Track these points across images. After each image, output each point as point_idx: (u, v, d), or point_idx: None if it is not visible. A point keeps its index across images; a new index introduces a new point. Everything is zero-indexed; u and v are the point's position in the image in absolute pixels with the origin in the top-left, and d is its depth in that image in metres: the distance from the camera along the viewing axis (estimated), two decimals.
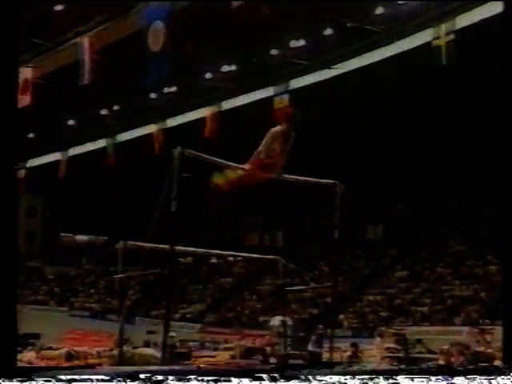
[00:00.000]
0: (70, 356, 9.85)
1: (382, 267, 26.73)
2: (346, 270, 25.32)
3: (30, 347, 13.66)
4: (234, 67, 24.94)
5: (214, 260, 32.96)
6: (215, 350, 18.68)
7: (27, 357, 11.19)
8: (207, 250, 10.48)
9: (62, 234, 40.92)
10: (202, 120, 24.83)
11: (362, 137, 25.24)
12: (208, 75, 25.69)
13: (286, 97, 22.06)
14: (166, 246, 7.41)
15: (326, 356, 10.77)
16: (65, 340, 22.72)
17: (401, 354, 14.19)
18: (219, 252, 11.15)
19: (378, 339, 16.26)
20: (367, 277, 26.47)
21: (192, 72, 25.18)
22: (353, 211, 26.25)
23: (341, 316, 22.61)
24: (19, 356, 8.04)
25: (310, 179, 8.58)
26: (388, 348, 15.34)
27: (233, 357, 15.21)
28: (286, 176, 8.27)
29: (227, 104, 24.90)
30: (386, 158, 26.72)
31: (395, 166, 26.65)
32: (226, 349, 17.69)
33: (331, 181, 8.23)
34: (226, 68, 25.06)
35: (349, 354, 14.24)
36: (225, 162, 7.81)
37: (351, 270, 26.33)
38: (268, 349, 15.22)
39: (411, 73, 21.29)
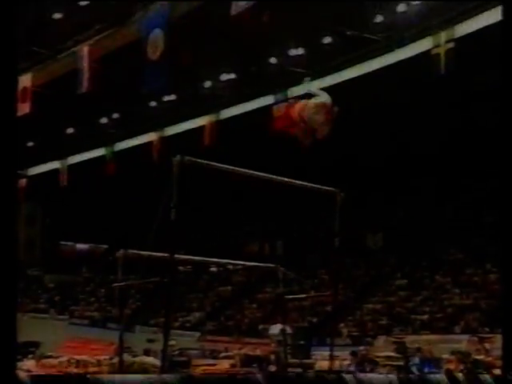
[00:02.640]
0: (70, 364, 9.86)
1: (382, 275, 26.70)
2: (345, 278, 25.28)
3: (30, 356, 13.62)
4: (233, 76, 25.01)
5: (213, 268, 32.91)
6: (215, 358, 18.62)
7: (27, 365, 11.17)
8: (207, 259, 10.45)
9: (62, 243, 40.91)
10: (201, 128, 24.90)
11: (360, 144, 25.27)
12: (207, 84, 25.76)
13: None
14: (166, 255, 7.40)
15: (325, 365, 10.73)
16: (65, 348, 22.67)
17: (400, 363, 14.16)
18: (219, 260, 11.10)
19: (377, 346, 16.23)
20: (367, 285, 26.44)
21: (191, 80, 25.25)
22: (353, 219, 26.28)
23: (340, 324, 22.58)
24: (19, 364, 8.01)
25: (311, 185, 8.59)
26: (388, 356, 15.31)
27: (233, 365, 15.16)
28: (287, 180, 8.30)
29: (226, 112, 24.96)
30: (385, 167, 26.74)
31: (395, 174, 26.67)
32: (225, 357, 17.64)
33: (331, 188, 8.23)
34: (225, 76, 25.13)
35: (348, 362, 14.21)
36: (225, 166, 7.81)
37: (351, 278, 26.30)
38: (268, 357, 15.18)
39: (410, 81, 21.35)
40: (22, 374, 5.19)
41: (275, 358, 14.38)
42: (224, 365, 15.08)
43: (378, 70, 20.53)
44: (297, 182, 8.53)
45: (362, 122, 24.01)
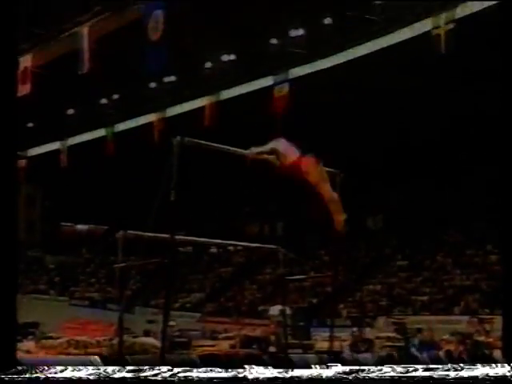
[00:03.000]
0: (69, 346, 9.90)
1: (382, 257, 26.76)
2: (346, 259, 25.36)
3: (29, 336, 13.66)
4: (233, 56, 24.89)
5: (214, 249, 33.01)
6: (215, 339, 18.71)
7: (26, 346, 11.21)
8: (207, 240, 10.48)
9: (63, 224, 40.96)
10: (201, 109, 24.81)
11: (361, 126, 25.19)
12: (207, 64, 25.65)
13: (286, 86, 21.99)
14: (166, 236, 7.42)
15: (325, 345, 10.80)
16: (65, 329, 22.72)
17: (401, 344, 14.23)
18: (219, 241, 11.14)
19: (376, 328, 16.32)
20: (367, 266, 26.51)
21: (191, 61, 25.14)
22: (353, 201, 26.26)
23: (340, 305, 22.67)
24: (18, 345, 8.06)
25: None
26: (388, 337, 15.37)
27: (232, 346, 15.24)
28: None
29: (227, 93, 24.87)
30: (385, 147, 26.68)
31: (395, 155, 26.63)
32: (225, 338, 17.72)
33: (331, 169, 8.22)
34: (225, 57, 25.01)
35: (348, 343, 14.26)
36: (226, 147, 7.80)
37: (351, 259, 26.38)
38: (268, 338, 15.25)
39: (411, 62, 21.23)
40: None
41: (275, 339, 14.46)
42: (224, 345, 15.16)
43: (377, 51, 20.42)
44: None
45: (362, 104, 23.92)
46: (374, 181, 28.31)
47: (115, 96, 29.11)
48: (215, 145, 7.77)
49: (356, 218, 25.96)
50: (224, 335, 18.53)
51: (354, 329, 15.24)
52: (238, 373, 5.08)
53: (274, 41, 23.25)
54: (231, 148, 7.82)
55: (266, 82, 23.23)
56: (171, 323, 10.70)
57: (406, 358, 10.98)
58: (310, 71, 22.40)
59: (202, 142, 7.47)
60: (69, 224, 40.99)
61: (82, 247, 38.82)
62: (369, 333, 16.13)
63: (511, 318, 5.30)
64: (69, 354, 9.56)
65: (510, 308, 5.34)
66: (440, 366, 5.32)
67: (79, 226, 41.35)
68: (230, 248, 30.69)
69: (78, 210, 37.96)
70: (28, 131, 29.45)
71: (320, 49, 22.20)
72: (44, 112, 29.01)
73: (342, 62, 21.42)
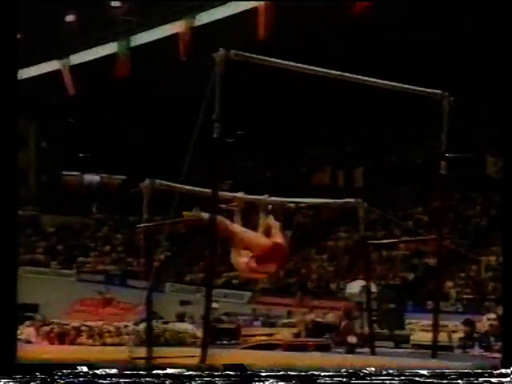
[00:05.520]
0: (80, 333, 10.13)
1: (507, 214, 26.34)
2: (454, 218, 25.10)
3: (27, 322, 13.98)
4: None
5: (268, 207, 33.14)
6: (272, 325, 18.95)
7: (25, 334, 11.52)
8: (258, 196, 10.39)
9: (65, 173, 41.57)
10: (248, 13, 24.52)
11: None
12: None
13: None
14: (206, 190, 7.44)
15: (426, 338, 10.81)
16: (72, 313, 23.40)
17: None
18: (275, 198, 10.97)
19: (488, 316, 16.22)
20: (486, 229, 26.19)
21: None
22: (466, 136, 25.75)
23: (448, 283, 22.57)
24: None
25: (406, 86, 8.36)
26: None
27: (296, 335, 15.41)
28: (370, 80, 8.18)
29: None
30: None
31: None
32: (286, 325, 17.93)
33: (437, 91, 8.01)
34: None
35: (461, 335, 14.26)
36: (286, 62, 7.67)
37: (462, 219, 26.09)
38: (344, 325, 15.36)
39: None
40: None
41: (354, 327, 14.54)
42: (284, 334, 15.34)
43: None
44: (384, 82, 8.35)
45: None
46: (492, 109, 27.80)
47: None
48: (274, 60, 7.59)
49: (470, 160, 25.63)
50: (284, 321, 18.76)
51: (467, 316, 15.21)
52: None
53: None
54: (296, 64, 7.66)
55: None
56: (214, 305, 10.83)
57: None
58: None
59: (256, 56, 7.34)
60: (73, 173, 41.63)
61: (92, 204, 39.44)
62: (489, 322, 16.03)
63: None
64: (80, 344, 9.79)
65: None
66: None
67: (87, 176, 41.99)
68: (291, 205, 30.70)
69: (85, 155, 38.47)
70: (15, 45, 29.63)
71: None
72: (35, 19, 29.07)
73: None
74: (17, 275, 5.10)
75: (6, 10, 5.40)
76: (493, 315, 16.35)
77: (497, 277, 23.14)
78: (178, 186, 8.26)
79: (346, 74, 8.07)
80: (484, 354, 12.82)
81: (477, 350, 13.28)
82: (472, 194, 27.17)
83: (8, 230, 4.93)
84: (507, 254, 5.56)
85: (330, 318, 17.43)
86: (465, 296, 22.68)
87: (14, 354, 5.15)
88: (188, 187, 8.19)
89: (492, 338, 13.74)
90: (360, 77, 8.13)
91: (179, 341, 9.44)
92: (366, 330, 11.66)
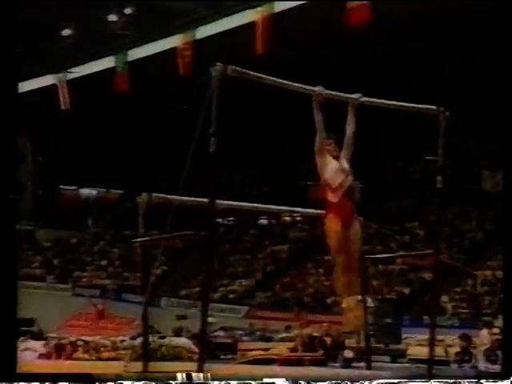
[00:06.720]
0: (76, 348, 10.14)
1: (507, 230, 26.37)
2: (451, 233, 25.13)
3: (22, 337, 14.02)
4: None
5: (264, 220, 33.17)
6: (268, 340, 18.94)
7: (20, 348, 11.53)
8: (256, 205, 10.44)
9: (62, 187, 41.59)
10: (247, 27, 24.62)
11: None
12: None
13: None
14: (204, 200, 7.45)
15: (422, 352, 10.79)
16: (68, 327, 23.37)
17: None
18: (272, 208, 11.02)
19: (484, 331, 16.21)
20: (482, 243, 26.22)
21: None
22: (462, 151, 25.88)
23: (444, 297, 22.58)
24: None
25: (401, 104, 8.45)
26: None
27: (293, 349, 15.40)
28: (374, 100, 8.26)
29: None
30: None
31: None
32: (282, 339, 17.91)
33: (432, 107, 8.07)
34: None
35: (457, 349, 14.24)
36: (277, 79, 7.73)
37: (458, 233, 26.12)
38: (341, 340, 15.38)
39: None
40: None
41: (351, 342, 14.55)
42: (281, 349, 15.33)
43: None
44: (381, 100, 8.44)
45: None
46: (489, 123, 27.91)
47: (128, 10, 29.04)
48: (270, 78, 7.64)
49: (467, 174, 25.69)
50: (281, 335, 18.74)
51: (464, 331, 15.18)
52: None
53: None
54: (292, 83, 7.71)
55: None
56: (210, 320, 10.82)
57: None
58: None
59: (252, 73, 7.38)
60: (70, 187, 41.64)
61: (88, 218, 39.44)
62: (487, 337, 16.02)
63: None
64: (76, 359, 9.81)
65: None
66: None
67: (84, 191, 42.01)
68: (287, 218, 30.75)
69: (81, 169, 38.49)
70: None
71: None
72: (32, 34, 29.13)
73: None
74: (16, 285, 5.12)
75: (7, 23, 5.39)
76: (496, 329, 16.37)
77: (493, 291, 23.15)
78: (175, 198, 8.26)
79: (341, 93, 8.18)
80: (491, 367, 12.80)
81: (482, 365, 13.25)
82: (468, 208, 27.23)
83: (7, 244, 4.95)
84: (508, 265, 5.56)
85: (327, 332, 17.42)
86: (461, 310, 22.68)
87: (15, 363, 5.18)
88: (184, 198, 8.19)
89: (499, 352, 13.71)
90: (353, 96, 8.23)
91: (175, 356, 9.44)
92: (363, 344, 11.64)
